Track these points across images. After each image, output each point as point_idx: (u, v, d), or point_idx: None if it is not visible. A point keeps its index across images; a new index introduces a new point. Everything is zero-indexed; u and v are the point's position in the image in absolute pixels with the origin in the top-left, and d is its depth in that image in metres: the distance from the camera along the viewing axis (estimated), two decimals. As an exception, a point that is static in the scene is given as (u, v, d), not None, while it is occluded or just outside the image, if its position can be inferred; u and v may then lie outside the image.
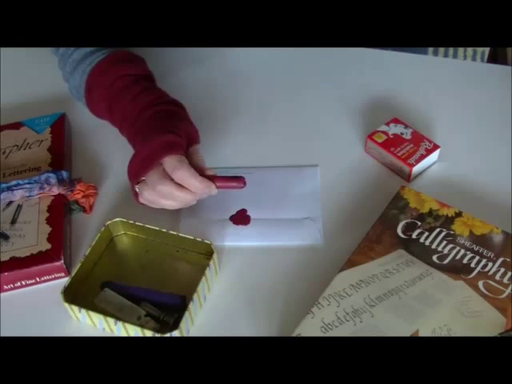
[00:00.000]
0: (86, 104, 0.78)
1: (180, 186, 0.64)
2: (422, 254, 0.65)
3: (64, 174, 0.74)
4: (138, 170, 0.66)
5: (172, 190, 0.64)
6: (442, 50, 0.91)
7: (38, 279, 0.67)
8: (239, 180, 0.66)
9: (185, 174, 0.63)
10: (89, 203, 0.74)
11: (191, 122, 0.72)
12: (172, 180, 0.64)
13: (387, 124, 0.79)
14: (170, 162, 0.64)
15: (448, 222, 0.68)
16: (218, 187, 0.66)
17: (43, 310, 0.66)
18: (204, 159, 0.69)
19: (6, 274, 0.66)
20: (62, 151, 0.78)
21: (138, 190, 0.67)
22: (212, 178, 0.66)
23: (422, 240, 0.66)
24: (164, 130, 0.67)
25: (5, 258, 0.67)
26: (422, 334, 0.58)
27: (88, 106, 0.79)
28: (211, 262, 0.64)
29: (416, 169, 0.74)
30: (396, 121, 0.79)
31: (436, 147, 0.76)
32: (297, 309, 0.62)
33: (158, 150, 0.65)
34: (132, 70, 0.75)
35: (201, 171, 0.66)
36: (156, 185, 0.64)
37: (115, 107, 0.74)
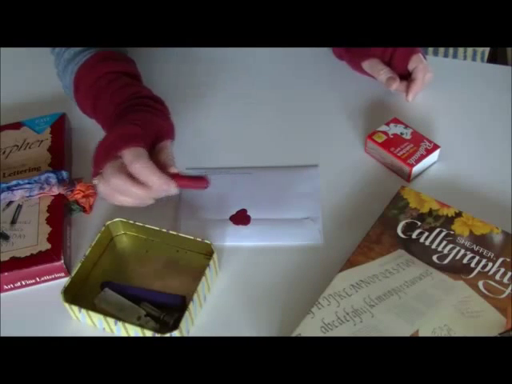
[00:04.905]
0: (76, 103, 0.78)
1: (137, 181, 0.61)
2: (422, 253, 0.65)
3: (64, 174, 0.74)
4: (97, 162, 0.63)
5: (126, 185, 0.60)
6: (441, 49, 0.91)
7: (38, 279, 0.67)
8: (202, 180, 0.63)
9: (142, 168, 0.60)
10: (89, 203, 0.74)
11: (168, 118, 0.70)
12: (129, 174, 0.61)
13: (387, 124, 0.79)
14: (128, 154, 0.60)
15: (448, 222, 0.68)
16: (179, 186, 0.63)
17: (43, 310, 0.66)
18: (173, 156, 0.65)
19: (6, 273, 0.66)
20: (61, 151, 0.78)
21: (95, 182, 0.64)
22: (174, 177, 0.62)
23: (422, 240, 0.66)
24: (127, 121, 0.64)
25: (5, 258, 0.67)
26: (421, 333, 0.58)
27: (78, 105, 0.78)
28: (211, 262, 0.64)
29: (416, 169, 0.74)
30: (396, 121, 0.79)
31: (436, 147, 0.75)
32: (297, 309, 0.62)
33: (115, 142, 0.62)
34: (116, 67, 0.74)
35: (164, 168, 0.62)
36: (110, 178, 0.60)
37: (98, 105, 0.73)
